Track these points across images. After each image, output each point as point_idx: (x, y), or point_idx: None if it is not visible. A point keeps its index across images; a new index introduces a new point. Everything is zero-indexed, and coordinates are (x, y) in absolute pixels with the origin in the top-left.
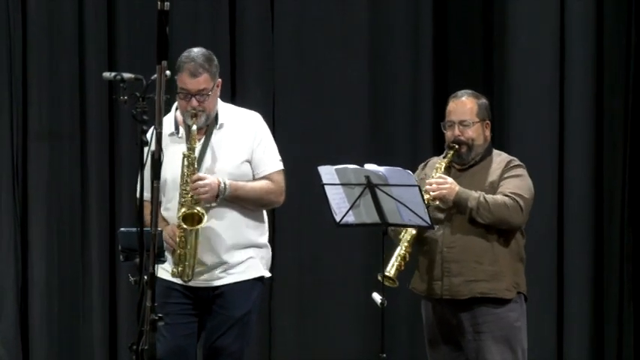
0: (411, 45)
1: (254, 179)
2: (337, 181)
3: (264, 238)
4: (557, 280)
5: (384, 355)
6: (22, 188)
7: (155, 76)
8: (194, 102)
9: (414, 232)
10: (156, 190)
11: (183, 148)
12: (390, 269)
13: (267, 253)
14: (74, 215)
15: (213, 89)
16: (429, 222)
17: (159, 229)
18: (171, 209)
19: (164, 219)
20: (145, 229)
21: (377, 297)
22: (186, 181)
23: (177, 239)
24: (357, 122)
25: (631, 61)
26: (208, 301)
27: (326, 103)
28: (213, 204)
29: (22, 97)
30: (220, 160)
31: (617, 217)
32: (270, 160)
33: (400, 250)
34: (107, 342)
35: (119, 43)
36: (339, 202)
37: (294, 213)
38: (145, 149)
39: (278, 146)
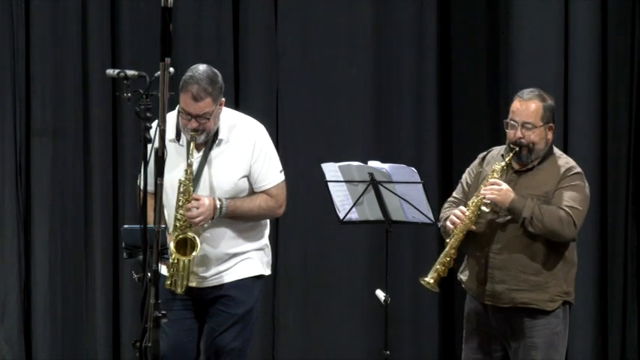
0: (415, 43)
1: (253, 192)
2: (341, 178)
3: (262, 240)
4: None
5: (388, 352)
6: (25, 185)
7: (159, 73)
8: (194, 123)
9: (462, 235)
10: (160, 187)
11: (183, 156)
12: (432, 274)
13: (266, 252)
14: (77, 213)
15: (215, 110)
16: (433, 219)
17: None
18: (167, 215)
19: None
20: (148, 226)
21: (380, 294)
22: (180, 205)
23: (170, 260)
24: (361, 120)
25: (635, 60)
26: (209, 300)
27: (330, 100)
28: (207, 225)
29: (26, 94)
30: (217, 177)
31: (622, 215)
32: (270, 175)
33: (446, 257)
34: (110, 339)
35: (122, 40)
36: (342, 199)
37: (298, 210)
38: (149, 146)
39: (282, 144)
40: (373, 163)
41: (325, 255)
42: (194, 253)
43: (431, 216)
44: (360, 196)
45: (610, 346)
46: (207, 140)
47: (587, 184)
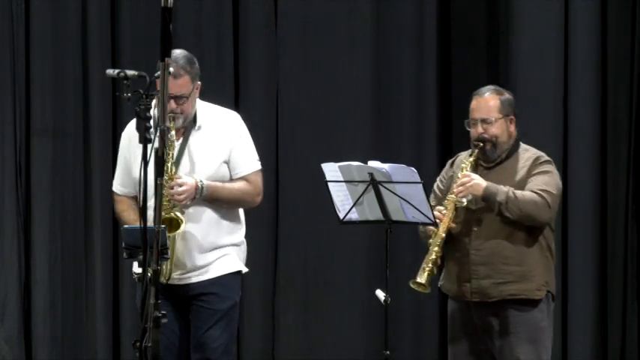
0: (415, 44)
1: (231, 179)
2: (341, 179)
3: (241, 235)
4: (562, 278)
5: (388, 352)
6: (25, 186)
7: (159, 73)
8: (172, 104)
9: (443, 234)
10: (160, 188)
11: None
12: (422, 275)
13: (242, 249)
14: (77, 212)
15: (193, 92)
16: (433, 219)
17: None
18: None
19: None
20: (148, 226)
21: (380, 294)
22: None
23: None
24: (362, 120)
25: (635, 61)
26: (191, 298)
27: (330, 101)
28: (188, 203)
29: (25, 94)
30: (199, 163)
31: (621, 215)
32: (248, 161)
33: (431, 255)
34: (110, 339)
35: (122, 40)
36: (342, 199)
37: (298, 210)
38: (148, 146)
39: (282, 144)
40: (373, 163)
41: (325, 255)
42: (182, 227)
43: (431, 216)
44: (360, 196)
45: (610, 346)
46: (185, 126)
47: (557, 172)
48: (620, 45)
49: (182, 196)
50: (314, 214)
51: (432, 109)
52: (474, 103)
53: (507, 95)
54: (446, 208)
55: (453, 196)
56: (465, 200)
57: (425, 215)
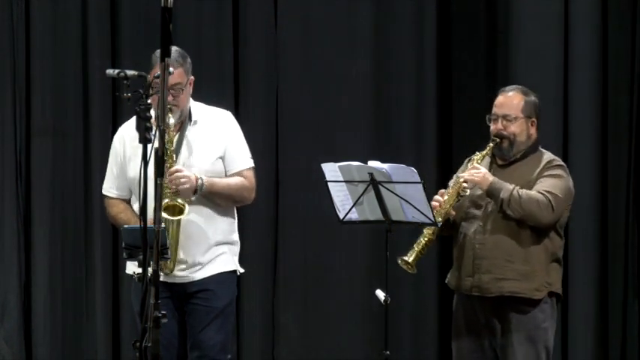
0: (415, 43)
1: (226, 175)
2: (341, 178)
3: (236, 234)
4: (562, 278)
5: (387, 352)
6: (26, 186)
7: (159, 73)
8: (169, 97)
9: (440, 219)
10: (160, 187)
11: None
12: (410, 255)
13: (237, 248)
14: (77, 213)
15: (186, 85)
16: (433, 219)
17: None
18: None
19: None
20: (148, 226)
21: (380, 294)
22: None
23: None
24: (361, 120)
25: (636, 61)
26: (188, 295)
27: (330, 100)
28: (192, 198)
29: (26, 94)
30: (196, 157)
31: (622, 215)
32: (242, 158)
33: (423, 238)
34: (110, 339)
35: (122, 40)
36: (342, 199)
37: (298, 210)
38: (149, 146)
39: (282, 144)
40: (373, 163)
41: (325, 255)
42: (185, 211)
43: (431, 216)
44: (360, 196)
45: (610, 346)
46: (181, 122)
47: (570, 178)
48: (621, 45)
49: (184, 180)
50: (314, 214)
51: (432, 109)
52: (498, 99)
53: (533, 97)
54: (448, 193)
55: (457, 183)
56: (468, 191)
57: (425, 215)
